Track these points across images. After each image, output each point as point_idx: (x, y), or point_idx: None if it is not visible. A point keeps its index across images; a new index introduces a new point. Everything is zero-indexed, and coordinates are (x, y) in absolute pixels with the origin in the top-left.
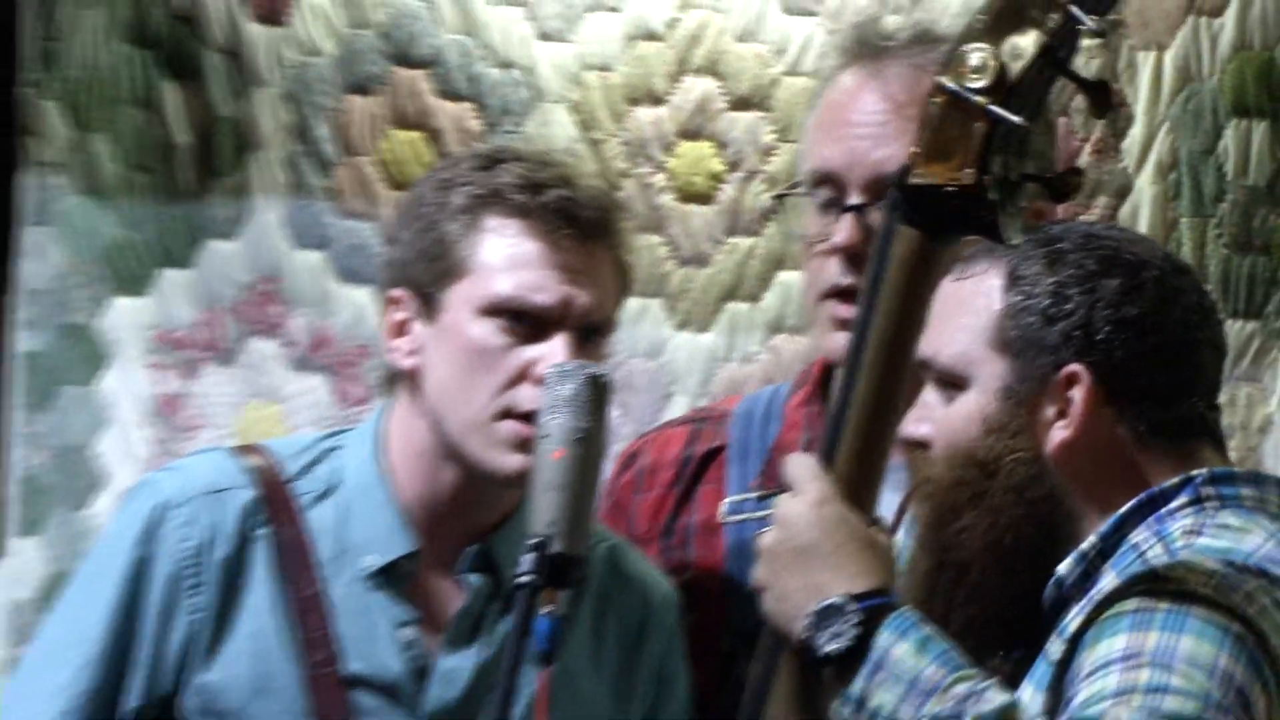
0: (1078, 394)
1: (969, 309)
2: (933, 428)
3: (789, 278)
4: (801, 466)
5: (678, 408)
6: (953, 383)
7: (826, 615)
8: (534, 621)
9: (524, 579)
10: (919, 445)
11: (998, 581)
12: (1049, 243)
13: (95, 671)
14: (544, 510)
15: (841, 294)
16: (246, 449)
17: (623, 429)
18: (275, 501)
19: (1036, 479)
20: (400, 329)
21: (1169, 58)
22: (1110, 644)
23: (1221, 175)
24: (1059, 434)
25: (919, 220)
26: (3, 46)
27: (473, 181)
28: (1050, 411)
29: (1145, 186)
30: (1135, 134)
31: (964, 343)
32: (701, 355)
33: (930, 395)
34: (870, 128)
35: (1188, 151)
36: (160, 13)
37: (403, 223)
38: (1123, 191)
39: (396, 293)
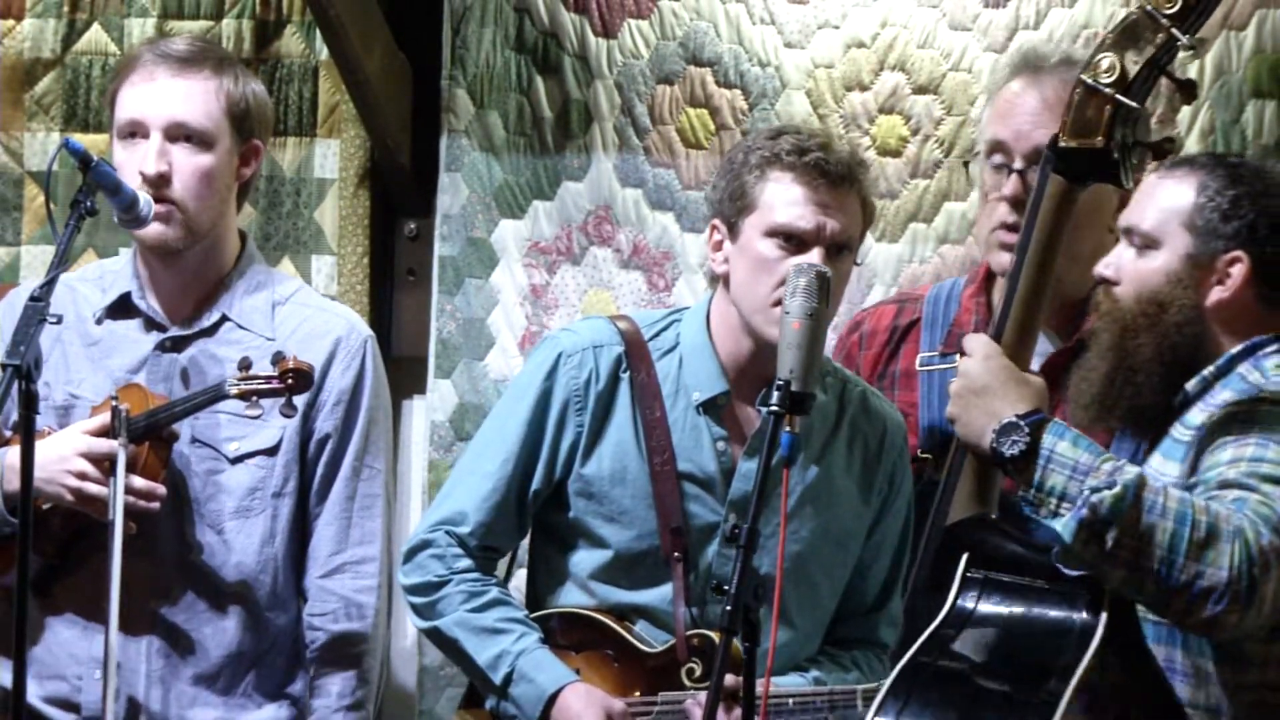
0: (1236, 271)
1: (1168, 196)
2: (1117, 272)
3: (951, 207)
4: (975, 339)
5: (875, 295)
6: (1149, 244)
7: (1006, 430)
8: (780, 436)
9: (773, 408)
10: (1106, 282)
11: (1155, 382)
12: (1233, 167)
13: (512, 463)
14: (786, 362)
15: (1007, 228)
16: (619, 318)
17: (839, 308)
18: (635, 354)
19: (1193, 320)
20: (717, 246)
21: (1209, 58)
22: (1228, 430)
23: (1244, 137)
24: (1216, 294)
25: (1065, 171)
26: (430, 55)
27: (762, 148)
28: (1214, 278)
29: (1192, 144)
30: (1186, 109)
31: (1161, 218)
32: (892, 259)
33: (1123, 250)
34: (1030, 116)
35: (1221, 121)
36: (533, 30)
37: (719, 176)
38: (1178, 147)
39: (714, 222)
